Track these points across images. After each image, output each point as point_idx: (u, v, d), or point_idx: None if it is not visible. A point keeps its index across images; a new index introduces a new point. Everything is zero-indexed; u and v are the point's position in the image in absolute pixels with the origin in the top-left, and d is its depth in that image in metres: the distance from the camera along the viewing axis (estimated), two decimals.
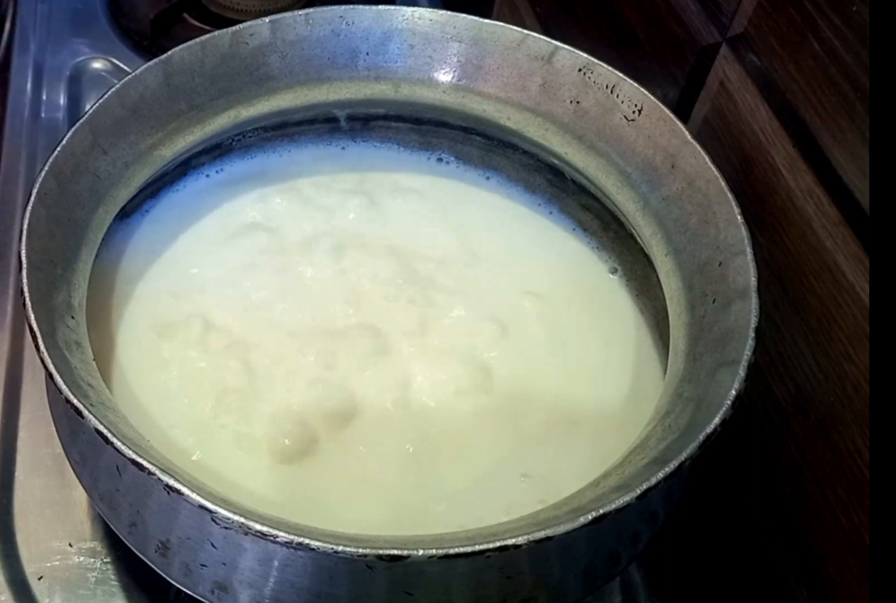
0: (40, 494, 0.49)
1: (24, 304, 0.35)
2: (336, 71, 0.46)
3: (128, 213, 0.47)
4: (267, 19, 0.44)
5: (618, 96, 0.43)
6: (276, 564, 0.35)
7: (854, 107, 0.35)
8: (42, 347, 0.33)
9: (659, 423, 0.36)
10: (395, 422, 0.42)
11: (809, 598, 0.41)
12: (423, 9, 0.45)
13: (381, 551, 0.30)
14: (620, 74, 0.43)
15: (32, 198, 0.37)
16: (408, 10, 0.45)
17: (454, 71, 0.46)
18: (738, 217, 0.38)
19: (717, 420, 0.33)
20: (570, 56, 0.44)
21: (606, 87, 0.43)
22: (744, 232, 0.37)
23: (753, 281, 0.36)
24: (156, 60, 0.42)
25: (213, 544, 0.35)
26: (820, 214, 0.38)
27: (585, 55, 0.43)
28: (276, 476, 0.40)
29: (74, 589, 0.46)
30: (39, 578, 0.46)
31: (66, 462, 0.41)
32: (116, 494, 0.38)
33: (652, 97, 0.42)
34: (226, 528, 0.31)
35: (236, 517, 0.30)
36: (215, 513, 0.30)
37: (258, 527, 0.30)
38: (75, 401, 0.32)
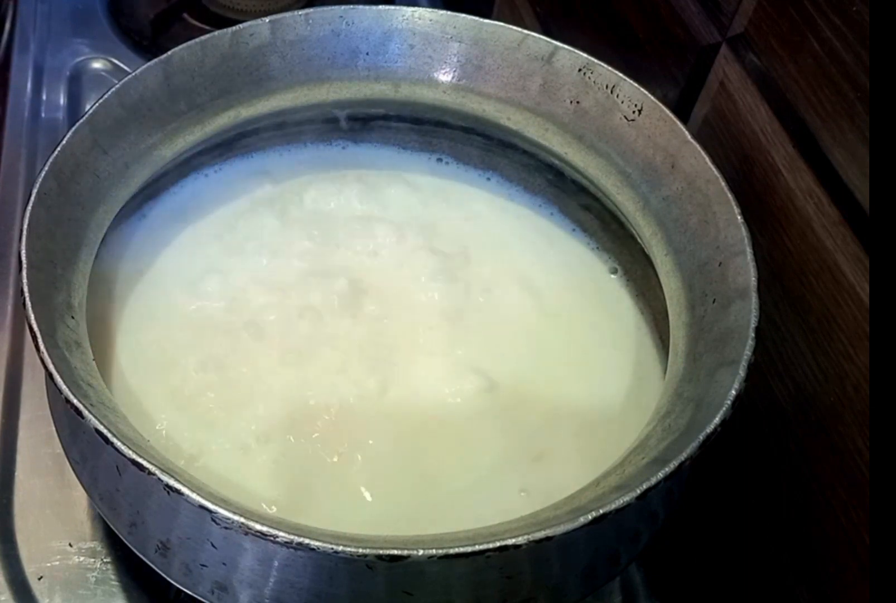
0: (40, 494, 0.49)
1: (24, 304, 0.35)
2: (336, 71, 0.46)
3: (128, 212, 0.47)
4: (267, 19, 0.44)
5: (618, 96, 0.43)
6: (276, 564, 0.35)
7: (854, 107, 0.35)
8: (42, 347, 0.33)
9: (659, 423, 0.36)
10: (390, 423, 0.42)
11: (809, 598, 0.41)
12: (423, 9, 0.45)
13: (381, 551, 0.30)
14: (620, 74, 0.43)
15: (32, 198, 0.37)
16: (408, 10, 0.45)
17: (454, 71, 0.46)
18: (738, 217, 0.38)
19: (717, 420, 0.33)
20: (570, 56, 0.44)
21: (606, 87, 0.43)
22: (744, 232, 0.37)
23: (753, 281, 0.36)
24: (156, 60, 0.42)
25: (213, 544, 0.35)
26: (820, 214, 0.38)
27: (585, 55, 0.43)
28: (276, 476, 0.40)
29: (74, 589, 0.46)
30: (39, 578, 0.46)
31: (66, 462, 0.41)
32: (116, 494, 0.38)
33: (652, 97, 0.42)
34: (226, 528, 0.31)
35: (236, 517, 0.30)
36: (215, 513, 0.30)
37: (258, 527, 0.30)
38: (75, 401, 0.32)
